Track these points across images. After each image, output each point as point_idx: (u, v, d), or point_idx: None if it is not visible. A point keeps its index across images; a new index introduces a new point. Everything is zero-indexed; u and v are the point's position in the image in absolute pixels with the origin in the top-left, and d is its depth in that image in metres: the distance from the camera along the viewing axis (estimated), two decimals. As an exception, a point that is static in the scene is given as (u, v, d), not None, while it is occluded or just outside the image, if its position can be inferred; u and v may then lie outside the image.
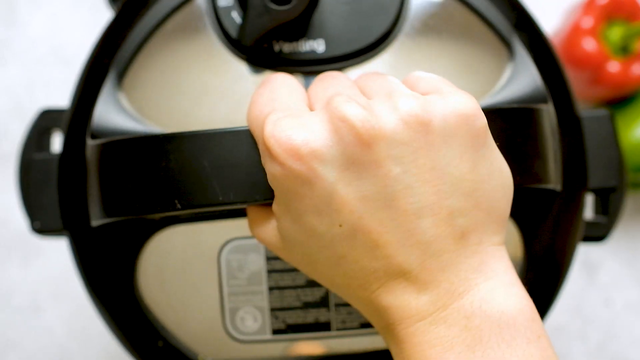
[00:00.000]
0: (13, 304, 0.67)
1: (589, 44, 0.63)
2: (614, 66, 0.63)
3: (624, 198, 0.45)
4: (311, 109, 0.34)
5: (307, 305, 0.42)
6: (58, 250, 0.66)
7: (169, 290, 0.42)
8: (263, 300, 0.42)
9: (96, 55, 0.44)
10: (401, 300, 0.33)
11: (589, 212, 0.47)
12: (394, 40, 0.42)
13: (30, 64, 0.69)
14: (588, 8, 0.63)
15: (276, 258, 0.42)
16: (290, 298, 0.42)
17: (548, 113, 0.41)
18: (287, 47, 0.41)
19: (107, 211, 0.38)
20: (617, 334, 0.67)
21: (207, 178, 0.35)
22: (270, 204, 0.35)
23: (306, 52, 0.41)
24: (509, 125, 0.37)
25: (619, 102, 0.66)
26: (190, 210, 0.35)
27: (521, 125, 0.38)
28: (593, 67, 0.63)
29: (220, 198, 0.35)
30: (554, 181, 0.40)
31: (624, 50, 0.64)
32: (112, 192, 0.37)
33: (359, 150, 0.31)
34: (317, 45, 0.41)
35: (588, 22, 0.63)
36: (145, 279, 0.42)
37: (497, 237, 0.34)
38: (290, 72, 0.41)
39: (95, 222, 0.40)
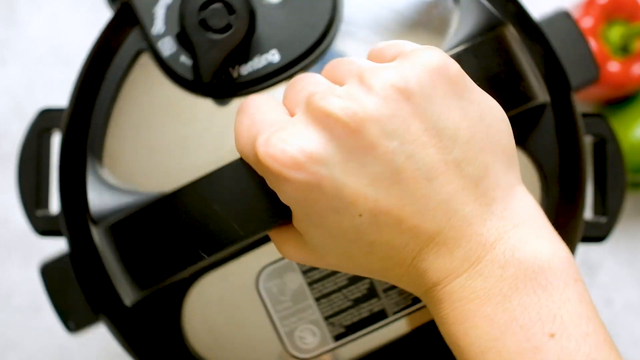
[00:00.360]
0: (13, 304, 0.67)
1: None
2: (614, 66, 0.63)
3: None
4: (292, 116, 0.34)
5: (357, 302, 0.42)
6: (58, 250, 0.66)
7: (222, 338, 0.42)
8: (314, 312, 0.42)
9: (69, 144, 0.43)
10: (437, 264, 0.33)
11: (588, 212, 0.47)
12: (339, 24, 0.42)
13: (30, 64, 0.69)
14: (588, 8, 0.63)
15: (311, 269, 0.42)
16: (339, 301, 0.42)
17: (510, 33, 0.41)
18: (244, 70, 0.41)
19: (138, 286, 0.37)
20: (617, 334, 0.67)
21: (222, 219, 0.34)
22: (290, 221, 0.35)
23: (264, 67, 0.41)
24: (481, 59, 0.37)
25: (619, 102, 0.66)
26: (217, 255, 0.35)
27: (492, 54, 0.38)
28: (593, 67, 0.63)
29: (242, 233, 0.34)
30: (541, 95, 0.41)
31: (624, 50, 0.64)
32: (136, 267, 0.37)
33: (352, 139, 0.32)
34: (272, 57, 0.41)
35: (588, 22, 0.63)
36: (195, 336, 0.42)
37: (511, 175, 0.34)
38: (256, 90, 0.41)
39: (129, 301, 0.39)
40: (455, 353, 0.34)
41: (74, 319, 0.44)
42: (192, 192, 0.35)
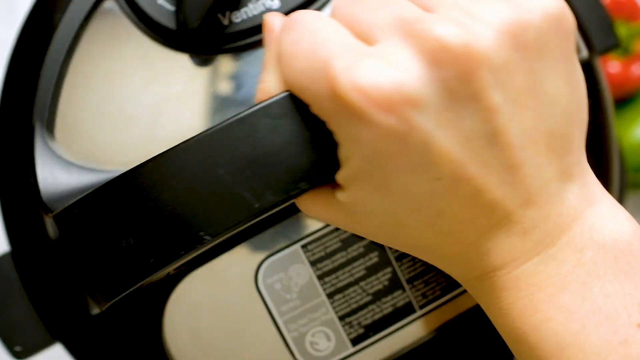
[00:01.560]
0: (13, 304, 0.67)
1: (589, 44, 0.63)
2: (614, 66, 0.63)
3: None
4: (369, 44, 0.27)
5: (378, 296, 0.35)
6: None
7: (212, 349, 0.35)
8: (327, 312, 0.35)
9: (9, 112, 0.35)
10: (505, 244, 0.28)
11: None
12: None
13: (31, 64, 0.69)
14: (588, 8, 0.63)
15: (322, 259, 0.35)
16: (357, 296, 0.35)
17: None
18: (236, 17, 0.34)
19: (116, 286, 0.27)
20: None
21: (230, 188, 0.26)
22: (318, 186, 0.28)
23: (261, 13, 0.34)
24: None
25: (619, 102, 0.66)
26: (223, 235, 0.27)
27: None
28: (593, 67, 0.63)
29: (257, 205, 0.27)
30: None
31: (624, 50, 0.64)
32: (113, 259, 0.27)
33: (459, 82, 0.26)
34: (271, 2, 0.34)
35: (588, 22, 0.63)
36: (178, 349, 0.34)
37: (584, 151, 0.30)
38: (250, 44, 0.35)
39: (100, 306, 0.28)
40: (518, 349, 0.29)
41: (21, 342, 0.34)
42: (191, 153, 0.26)
